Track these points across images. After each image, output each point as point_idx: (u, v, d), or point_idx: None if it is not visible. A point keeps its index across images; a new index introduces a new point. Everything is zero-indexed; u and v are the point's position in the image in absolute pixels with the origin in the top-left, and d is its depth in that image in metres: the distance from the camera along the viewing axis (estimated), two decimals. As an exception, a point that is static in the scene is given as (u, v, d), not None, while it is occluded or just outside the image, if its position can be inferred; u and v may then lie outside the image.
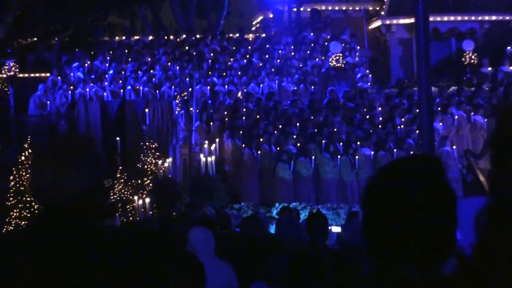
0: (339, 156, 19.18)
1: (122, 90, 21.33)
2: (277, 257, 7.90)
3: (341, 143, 19.50)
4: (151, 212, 14.52)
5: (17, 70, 22.06)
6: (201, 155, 18.57)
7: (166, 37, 25.22)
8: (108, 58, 23.34)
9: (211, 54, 24.13)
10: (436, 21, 25.39)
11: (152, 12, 29.74)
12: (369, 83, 23.51)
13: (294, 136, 19.51)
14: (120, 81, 21.79)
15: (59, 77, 21.86)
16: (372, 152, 19.36)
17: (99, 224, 2.48)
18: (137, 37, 25.46)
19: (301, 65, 23.84)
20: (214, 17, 29.69)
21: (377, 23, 27.20)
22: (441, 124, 20.74)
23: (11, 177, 15.84)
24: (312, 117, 20.61)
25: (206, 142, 18.96)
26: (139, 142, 18.31)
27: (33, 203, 14.93)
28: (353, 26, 26.20)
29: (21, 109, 20.83)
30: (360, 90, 22.57)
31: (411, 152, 18.59)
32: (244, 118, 20.30)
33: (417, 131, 18.86)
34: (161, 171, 17.33)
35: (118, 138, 18.34)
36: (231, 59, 23.86)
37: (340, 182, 19.17)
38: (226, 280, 6.44)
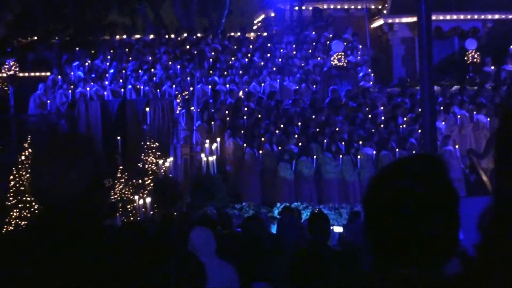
0: (341, 156, 19.14)
1: (122, 89, 21.30)
2: (278, 257, 7.89)
3: (343, 143, 19.46)
4: (152, 212, 14.52)
5: (17, 69, 22.01)
6: (202, 155, 18.53)
7: (167, 36, 25.17)
8: (108, 57, 23.29)
9: (212, 53, 24.08)
10: (439, 20, 25.37)
11: (153, 10, 29.70)
12: (371, 82, 23.48)
13: (296, 136, 19.47)
14: (121, 80, 21.76)
15: (59, 76, 21.84)
16: (374, 152, 19.32)
17: (99, 224, 2.47)
18: (138, 36, 25.38)
19: (302, 64, 23.80)
20: (216, 16, 29.65)
21: (379, 22, 27.16)
22: (443, 123, 20.69)
23: (11, 177, 15.84)
24: (313, 117, 20.57)
25: (207, 141, 18.91)
26: (139, 141, 18.29)
27: (33, 203, 14.93)
28: (355, 25, 26.17)
29: (21, 108, 20.79)
30: (362, 89, 22.53)
31: (414, 152, 18.55)
32: (245, 117, 20.25)
33: (420, 131, 18.81)
34: (162, 170, 17.31)
35: (118, 138, 18.34)
36: (233, 58, 23.81)
37: (342, 182, 19.13)
38: (227, 280, 6.42)
